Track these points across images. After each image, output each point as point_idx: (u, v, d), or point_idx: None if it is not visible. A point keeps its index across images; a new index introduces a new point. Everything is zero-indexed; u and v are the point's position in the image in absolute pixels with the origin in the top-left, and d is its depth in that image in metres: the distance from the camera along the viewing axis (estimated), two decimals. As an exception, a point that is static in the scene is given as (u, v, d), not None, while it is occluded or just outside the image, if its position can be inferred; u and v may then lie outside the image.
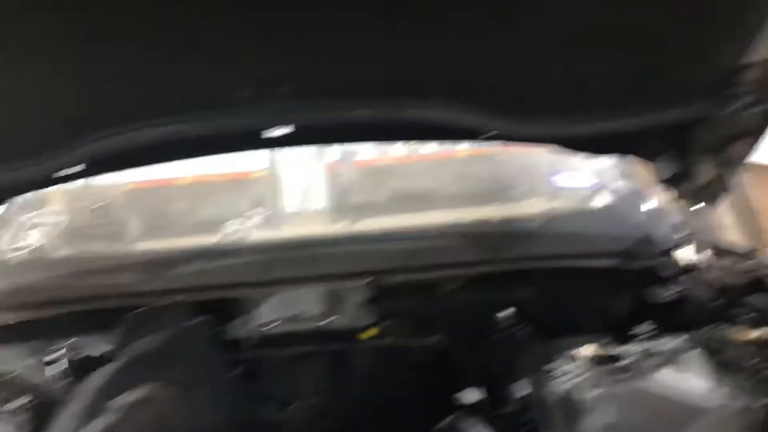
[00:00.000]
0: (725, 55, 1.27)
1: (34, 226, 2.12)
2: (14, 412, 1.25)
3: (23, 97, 1.22)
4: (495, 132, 1.42)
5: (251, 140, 1.40)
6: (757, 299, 1.41)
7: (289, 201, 3.29)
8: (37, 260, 2.09)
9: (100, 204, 2.44)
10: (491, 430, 1.62)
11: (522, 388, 1.72)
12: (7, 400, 1.28)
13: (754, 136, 1.43)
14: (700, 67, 1.31)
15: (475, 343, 1.79)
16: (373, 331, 1.75)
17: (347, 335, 1.75)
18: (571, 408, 1.15)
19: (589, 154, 1.72)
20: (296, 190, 3.32)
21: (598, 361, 1.26)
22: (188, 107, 1.32)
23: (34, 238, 2.07)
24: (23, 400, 1.29)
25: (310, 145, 1.60)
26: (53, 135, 1.37)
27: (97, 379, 1.39)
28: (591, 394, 1.13)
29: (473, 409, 1.72)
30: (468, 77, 1.31)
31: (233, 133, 1.38)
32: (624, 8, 1.13)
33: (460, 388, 1.77)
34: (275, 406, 1.85)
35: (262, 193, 3.04)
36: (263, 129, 1.36)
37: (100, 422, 1.30)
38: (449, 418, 1.68)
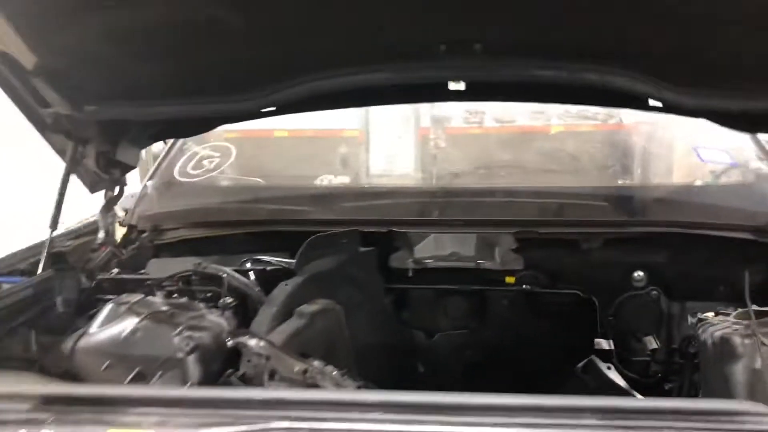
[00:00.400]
0: None
1: (207, 157, 2.38)
2: (224, 307, 1.49)
3: (241, 41, 1.43)
4: (661, 102, 1.53)
5: (439, 92, 1.57)
6: None
7: (376, 162, 3.47)
8: (216, 186, 2.38)
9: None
10: (620, 375, 1.77)
11: (650, 343, 1.86)
12: (218, 297, 1.52)
13: None
14: None
15: (609, 299, 1.94)
16: (513, 279, 1.93)
17: (493, 279, 1.91)
18: (726, 351, 1.27)
19: (740, 130, 1.80)
20: (384, 152, 3.51)
21: (743, 316, 1.37)
22: (385, 58, 1.50)
23: (208, 167, 2.34)
24: (229, 298, 1.53)
25: (490, 100, 1.74)
26: (263, 75, 1.58)
27: (285, 288, 1.61)
28: (743, 341, 1.25)
29: (604, 357, 1.88)
30: (646, 48, 1.42)
31: (424, 84, 1.55)
32: None
33: (591, 339, 1.93)
34: (422, 334, 2.07)
35: (352, 152, 3.24)
36: (452, 81, 1.53)
37: (292, 323, 1.52)
38: (583, 362, 1.84)
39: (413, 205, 2.13)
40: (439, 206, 2.08)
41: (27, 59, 1.42)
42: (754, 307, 1.37)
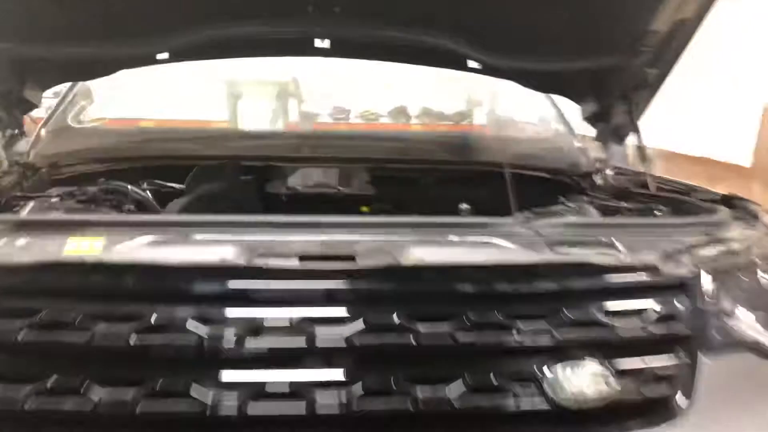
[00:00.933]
0: (636, 21, 1.77)
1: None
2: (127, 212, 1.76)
3: None
4: (478, 62, 2.01)
5: (304, 47, 1.93)
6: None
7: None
8: (109, 129, 2.62)
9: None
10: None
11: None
12: (120, 206, 1.78)
13: (652, 90, 2.05)
14: (617, 26, 1.82)
15: None
16: (367, 208, 2.33)
17: (350, 208, 2.29)
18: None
19: (537, 90, 2.32)
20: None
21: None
22: (260, 13, 1.86)
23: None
24: (132, 206, 1.79)
25: (346, 57, 2.10)
26: (156, 23, 1.89)
27: (178, 202, 1.91)
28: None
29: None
30: (467, 18, 1.87)
31: (292, 39, 1.92)
32: None
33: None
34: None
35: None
36: (318, 39, 1.91)
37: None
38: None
39: (287, 145, 2.50)
40: (309, 146, 2.45)
41: None
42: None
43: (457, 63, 2.00)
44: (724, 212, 1.45)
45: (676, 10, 1.75)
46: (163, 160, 2.18)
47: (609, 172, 2.12)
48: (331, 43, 1.93)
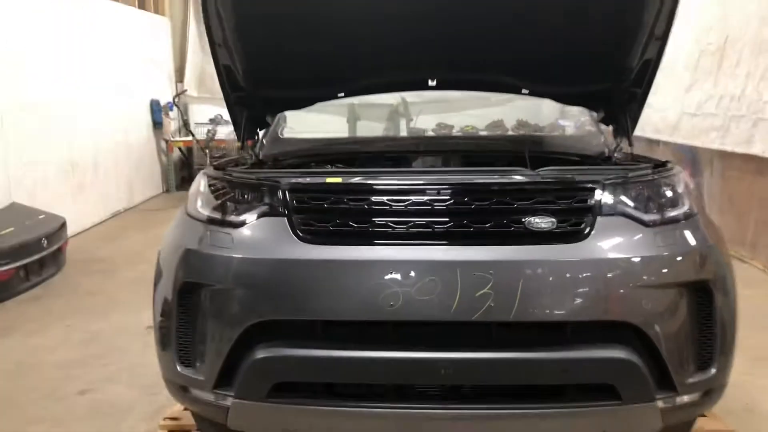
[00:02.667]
0: (621, 62, 2.92)
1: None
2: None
3: (332, 63, 3.15)
4: (525, 89, 3.30)
5: (421, 85, 3.25)
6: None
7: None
8: (303, 139, 3.91)
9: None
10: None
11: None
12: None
13: (640, 102, 3.21)
14: (609, 65, 2.97)
15: None
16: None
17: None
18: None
19: (566, 104, 3.55)
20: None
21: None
22: (400, 68, 3.25)
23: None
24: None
25: (448, 89, 3.39)
26: (342, 78, 3.28)
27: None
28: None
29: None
30: (518, 64, 3.18)
31: (415, 81, 3.27)
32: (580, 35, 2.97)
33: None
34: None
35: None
36: (429, 79, 3.25)
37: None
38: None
39: (409, 143, 3.86)
40: (423, 144, 3.81)
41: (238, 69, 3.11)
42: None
43: (516, 90, 3.29)
44: (647, 166, 2.62)
45: (645, 52, 2.96)
46: (338, 155, 3.55)
47: (617, 155, 3.30)
48: (438, 82, 3.28)
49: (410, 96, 5.24)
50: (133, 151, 9.30)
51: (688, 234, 2.25)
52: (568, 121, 3.83)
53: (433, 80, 3.24)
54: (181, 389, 2.36)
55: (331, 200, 2.27)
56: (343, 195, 2.28)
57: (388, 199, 2.23)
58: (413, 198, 2.23)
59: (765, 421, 3.20)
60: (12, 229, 5.61)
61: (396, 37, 2.99)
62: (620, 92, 3.12)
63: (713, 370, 2.22)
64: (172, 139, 10.45)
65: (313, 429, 2.27)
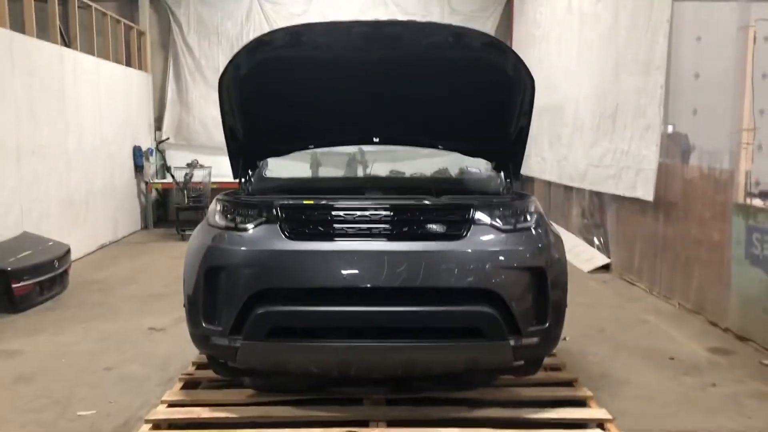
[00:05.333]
0: (503, 128, 4.31)
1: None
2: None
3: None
4: (440, 146, 4.70)
5: (369, 141, 4.62)
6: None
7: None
8: (284, 177, 5.30)
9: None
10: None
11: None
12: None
13: (520, 156, 4.63)
14: (496, 131, 4.39)
15: None
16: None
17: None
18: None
19: (470, 156, 4.95)
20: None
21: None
22: (351, 133, 4.62)
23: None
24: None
25: (389, 145, 4.79)
26: (312, 136, 4.65)
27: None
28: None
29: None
30: (433, 132, 4.58)
31: (364, 138, 4.63)
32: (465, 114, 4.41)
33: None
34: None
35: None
36: (374, 137, 4.62)
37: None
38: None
39: (361, 181, 5.24)
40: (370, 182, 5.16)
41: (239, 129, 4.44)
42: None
43: (434, 146, 4.69)
44: (512, 196, 4.01)
45: (519, 122, 4.38)
46: (306, 188, 4.85)
47: (503, 192, 4.66)
48: (381, 139, 4.65)
49: (368, 147, 6.51)
50: (118, 191, 10.47)
51: (530, 238, 3.60)
52: (476, 168, 5.23)
53: (376, 138, 4.61)
54: (204, 338, 3.57)
55: (307, 213, 3.58)
56: (314, 210, 3.59)
57: (343, 213, 3.54)
58: (359, 213, 3.55)
59: (615, 383, 4.52)
60: (30, 252, 6.74)
61: (350, 108, 4.38)
62: (505, 149, 4.50)
63: (547, 324, 3.54)
64: (151, 180, 11.64)
65: (292, 360, 3.52)
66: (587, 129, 8.60)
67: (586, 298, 6.72)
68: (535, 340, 3.51)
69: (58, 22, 8.87)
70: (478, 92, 4.29)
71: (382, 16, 11.57)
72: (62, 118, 8.53)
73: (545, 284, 3.52)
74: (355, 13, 11.88)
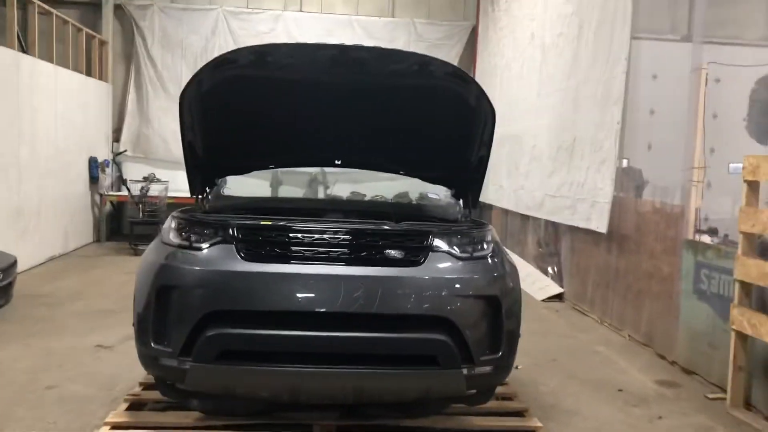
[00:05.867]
0: (464, 157, 4.39)
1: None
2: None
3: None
4: (402, 172, 4.72)
5: (330, 163, 4.61)
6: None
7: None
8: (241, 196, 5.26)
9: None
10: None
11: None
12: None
13: (479, 184, 4.68)
14: (457, 160, 4.46)
15: None
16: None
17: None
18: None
19: (430, 183, 4.99)
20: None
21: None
22: (313, 155, 4.61)
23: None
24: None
25: (353, 168, 4.81)
26: (275, 156, 4.62)
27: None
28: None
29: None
30: (394, 159, 4.61)
31: (325, 160, 4.63)
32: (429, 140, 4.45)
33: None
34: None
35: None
36: (336, 160, 4.61)
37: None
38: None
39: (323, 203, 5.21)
40: (331, 203, 5.12)
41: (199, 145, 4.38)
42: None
43: (396, 171, 4.70)
44: (471, 225, 4.05)
45: (479, 151, 4.43)
46: (265, 208, 4.79)
47: (462, 219, 4.71)
48: (342, 162, 4.64)
49: (329, 168, 6.48)
50: (71, 203, 10.21)
51: (486, 266, 3.62)
52: (435, 194, 5.26)
53: (338, 161, 4.60)
54: (152, 359, 3.48)
55: (264, 234, 3.54)
56: (272, 231, 3.55)
57: (301, 235, 3.51)
58: (317, 236, 3.52)
59: (565, 413, 4.55)
60: (-28, 262, 6.50)
61: (312, 129, 4.36)
62: (465, 177, 4.54)
63: (500, 353, 3.55)
64: (106, 193, 11.39)
65: (242, 384, 3.45)
66: (545, 159, 8.74)
67: (539, 327, 6.78)
68: (488, 368, 3.51)
69: (16, 27, 8.67)
70: (441, 120, 4.33)
71: (349, 38, 11.67)
72: (14, 125, 8.30)
73: (500, 313, 3.54)
74: (321, 35, 11.93)
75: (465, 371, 3.42)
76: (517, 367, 4.63)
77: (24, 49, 9.36)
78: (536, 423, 3.99)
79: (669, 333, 5.74)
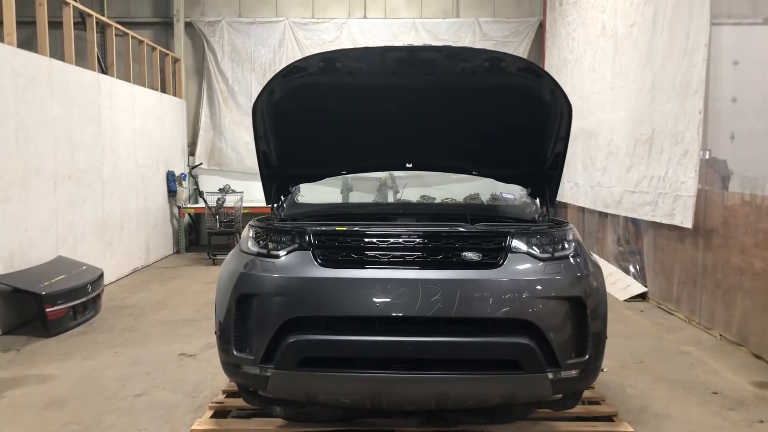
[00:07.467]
0: (540, 155, 4.28)
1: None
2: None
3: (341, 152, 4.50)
4: (475, 173, 4.63)
5: (402, 167, 4.58)
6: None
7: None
8: (313, 203, 5.29)
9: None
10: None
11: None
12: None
13: (556, 182, 4.54)
14: (532, 157, 4.35)
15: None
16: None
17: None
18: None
19: (505, 182, 4.88)
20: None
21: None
22: (386, 157, 4.59)
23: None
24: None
25: (423, 171, 4.76)
26: (346, 163, 4.63)
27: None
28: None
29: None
30: (469, 158, 4.53)
31: (397, 164, 4.60)
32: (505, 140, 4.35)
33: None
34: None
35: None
36: (407, 164, 4.58)
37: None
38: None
39: (394, 207, 5.17)
40: (403, 207, 5.08)
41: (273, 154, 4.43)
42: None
43: (468, 172, 4.62)
44: (550, 224, 3.92)
45: (555, 147, 4.30)
46: (338, 214, 4.81)
47: (539, 218, 4.59)
48: (413, 165, 4.60)
49: (399, 172, 6.48)
50: (151, 216, 10.57)
51: (568, 266, 3.49)
52: (510, 194, 5.15)
53: (409, 164, 4.56)
54: (235, 367, 3.51)
55: (340, 240, 3.52)
56: (347, 237, 3.53)
57: (376, 240, 3.48)
58: (392, 240, 3.48)
59: (655, 417, 4.35)
60: (63, 276, 6.79)
61: (383, 133, 4.34)
62: (541, 175, 4.42)
63: (587, 356, 3.42)
64: (184, 205, 11.75)
65: (323, 390, 3.44)
66: (622, 154, 8.45)
67: (623, 328, 6.54)
68: (574, 372, 3.38)
69: (96, 50, 9.05)
70: (514, 117, 4.23)
71: (413, 41, 11.64)
72: (98, 143, 8.65)
73: (584, 315, 3.40)
74: (386, 40, 11.95)
75: (550, 375, 3.31)
76: (603, 370, 4.46)
77: (103, 70, 9.77)
78: (627, 428, 3.83)
79: (765, 332, 5.42)
